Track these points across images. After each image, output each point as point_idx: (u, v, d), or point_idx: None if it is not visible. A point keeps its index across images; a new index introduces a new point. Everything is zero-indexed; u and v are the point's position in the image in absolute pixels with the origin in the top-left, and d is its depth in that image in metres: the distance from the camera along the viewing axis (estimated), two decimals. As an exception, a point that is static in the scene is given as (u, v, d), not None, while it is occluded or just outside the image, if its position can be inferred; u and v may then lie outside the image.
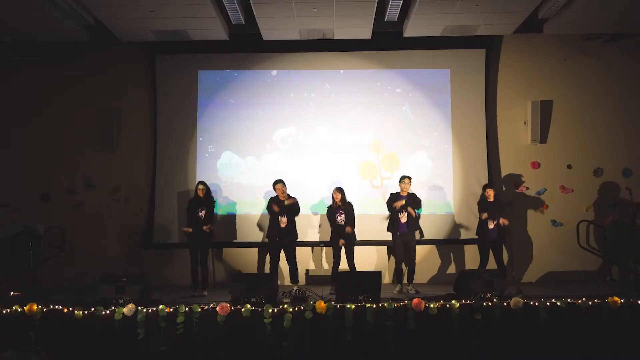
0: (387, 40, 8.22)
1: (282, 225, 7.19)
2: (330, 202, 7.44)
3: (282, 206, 7.25)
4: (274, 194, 7.41)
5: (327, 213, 7.46)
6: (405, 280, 7.32)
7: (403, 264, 7.30)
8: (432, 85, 8.43)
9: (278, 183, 7.35)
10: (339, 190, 7.32)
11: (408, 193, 7.30)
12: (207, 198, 7.31)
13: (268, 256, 7.54)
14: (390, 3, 7.15)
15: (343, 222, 7.22)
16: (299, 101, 8.41)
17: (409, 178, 7.31)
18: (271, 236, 7.37)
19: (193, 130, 8.36)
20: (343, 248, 7.21)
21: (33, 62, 8.38)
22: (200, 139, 8.37)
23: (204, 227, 7.13)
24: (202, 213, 7.16)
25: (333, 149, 8.34)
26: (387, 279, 8.08)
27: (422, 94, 8.41)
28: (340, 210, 7.25)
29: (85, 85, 8.40)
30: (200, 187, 7.29)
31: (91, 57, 8.41)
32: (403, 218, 7.17)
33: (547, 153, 8.38)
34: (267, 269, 7.91)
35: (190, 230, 7.13)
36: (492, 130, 8.44)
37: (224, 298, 6.03)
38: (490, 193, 7.38)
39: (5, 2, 6.78)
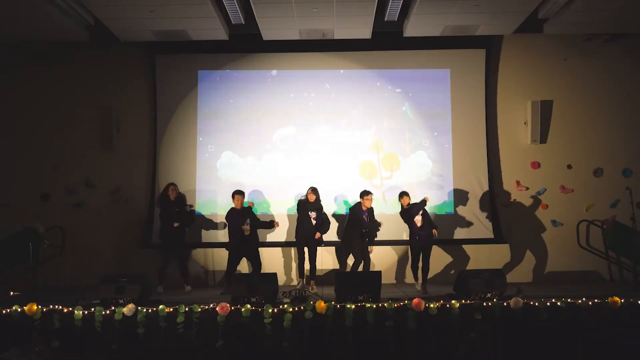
0: (387, 40, 8.23)
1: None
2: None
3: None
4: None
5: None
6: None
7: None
8: (432, 85, 8.43)
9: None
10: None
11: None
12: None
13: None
14: (390, 3, 7.15)
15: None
16: (299, 101, 8.41)
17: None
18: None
19: (193, 130, 8.36)
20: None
21: (33, 62, 8.38)
22: (200, 139, 8.36)
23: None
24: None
25: (333, 149, 8.34)
26: (385, 279, 8.10)
27: (422, 94, 8.41)
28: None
29: (85, 85, 8.40)
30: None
31: (91, 57, 8.41)
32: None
33: (547, 153, 8.38)
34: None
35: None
36: (492, 130, 8.44)
37: (224, 298, 6.03)
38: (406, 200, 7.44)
39: (5, 2, 6.78)
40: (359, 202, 7.42)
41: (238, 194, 7.40)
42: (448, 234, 8.19)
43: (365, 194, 7.44)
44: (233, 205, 7.42)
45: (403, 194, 7.46)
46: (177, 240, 7.45)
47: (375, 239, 7.50)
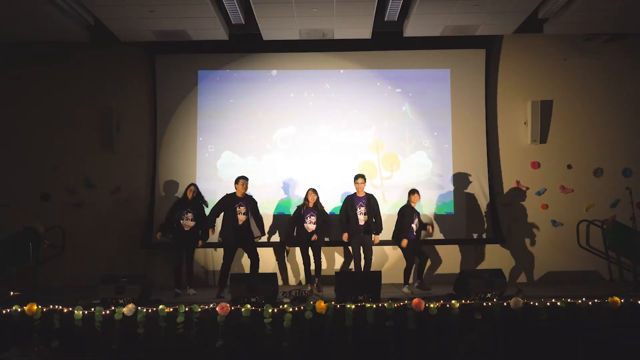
0: (387, 40, 8.23)
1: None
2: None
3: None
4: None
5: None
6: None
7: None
8: (432, 85, 8.43)
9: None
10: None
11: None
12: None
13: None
14: (390, 3, 7.15)
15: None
16: (299, 101, 8.41)
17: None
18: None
19: (193, 130, 8.36)
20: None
21: (33, 62, 8.38)
22: (200, 139, 8.37)
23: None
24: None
25: (333, 149, 8.34)
26: (385, 279, 8.11)
27: (422, 94, 8.41)
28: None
29: (85, 85, 8.41)
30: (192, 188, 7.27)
31: (91, 57, 8.41)
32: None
33: (547, 153, 8.38)
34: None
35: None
36: (492, 130, 8.44)
37: (224, 298, 6.03)
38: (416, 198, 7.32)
39: (5, 2, 6.78)
40: (355, 192, 7.32)
41: (243, 178, 7.16)
42: (448, 234, 8.19)
43: (355, 178, 7.31)
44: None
45: (415, 191, 7.29)
46: (191, 241, 7.18)
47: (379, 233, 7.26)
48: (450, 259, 8.22)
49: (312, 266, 7.34)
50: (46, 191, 8.25)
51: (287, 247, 7.56)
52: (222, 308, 5.63)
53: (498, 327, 5.66)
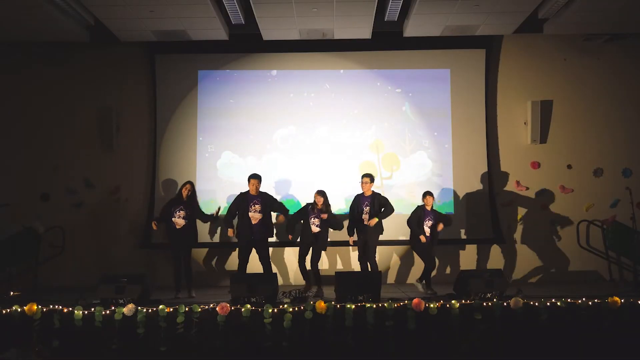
0: (387, 40, 8.23)
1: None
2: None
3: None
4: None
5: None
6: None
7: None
8: (432, 86, 8.43)
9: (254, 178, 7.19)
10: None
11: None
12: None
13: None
14: (390, 3, 7.15)
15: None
16: (299, 101, 8.41)
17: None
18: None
19: (193, 130, 8.36)
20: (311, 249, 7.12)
21: (33, 62, 8.39)
22: (200, 139, 8.37)
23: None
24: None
25: (333, 149, 8.34)
26: (385, 279, 8.12)
27: (422, 94, 8.41)
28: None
29: (85, 85, 8.41)
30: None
31: (91, 57, 8.41)
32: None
33: (547, 153, 8.38)
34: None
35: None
36: (492, 130, 8.44)
37: (224, 298, 6.04)
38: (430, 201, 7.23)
39: (5, 2, 6.78)
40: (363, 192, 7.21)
41: (253, 177, 7.11)
42: (448, 234, 8.17)
43: (362, 177, 7.20)
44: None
45: (428, 194, 7.18)
46: (184, 242, 7.06)
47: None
48: (450, 259, 8.22)
49: (308, 267, 7.15)
50: (46, 191, 8.25)
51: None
52: (222, 308, 5.63)
53: (498, 327, 5.68)
